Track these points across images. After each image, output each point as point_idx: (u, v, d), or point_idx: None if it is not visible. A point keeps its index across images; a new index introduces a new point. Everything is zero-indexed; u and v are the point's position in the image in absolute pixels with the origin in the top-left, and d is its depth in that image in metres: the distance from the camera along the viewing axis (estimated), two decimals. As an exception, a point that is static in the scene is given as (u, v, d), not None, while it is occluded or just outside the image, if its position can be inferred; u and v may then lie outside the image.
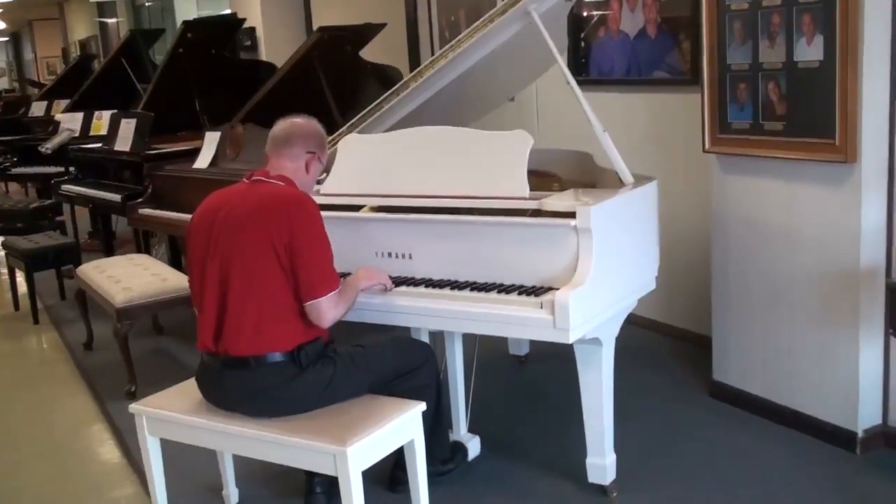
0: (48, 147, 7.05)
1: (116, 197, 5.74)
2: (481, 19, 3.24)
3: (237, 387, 2.69)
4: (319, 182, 3.24)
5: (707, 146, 3.65)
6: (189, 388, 2.92)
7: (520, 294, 2.78)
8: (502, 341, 4.44)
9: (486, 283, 2.89)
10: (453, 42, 3.31)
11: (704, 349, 4.09)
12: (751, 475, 3.20)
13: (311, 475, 3.08)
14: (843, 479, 3.13)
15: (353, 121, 3.55)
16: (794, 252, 3.40)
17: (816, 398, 3.40)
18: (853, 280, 3.20)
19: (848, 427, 3.30)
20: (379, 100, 3.48)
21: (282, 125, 2.90)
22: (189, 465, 3.36)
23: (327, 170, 3.43)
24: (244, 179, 2.84)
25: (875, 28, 3.04)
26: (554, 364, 4.28)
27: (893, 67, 3.09)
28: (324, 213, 3.16)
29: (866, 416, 3.29)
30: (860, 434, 3.28)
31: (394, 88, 3.45)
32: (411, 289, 2.98)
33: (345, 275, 2.94)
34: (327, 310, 2.68)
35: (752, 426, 3.57)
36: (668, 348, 4.52)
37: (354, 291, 2.86)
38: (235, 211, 2.71)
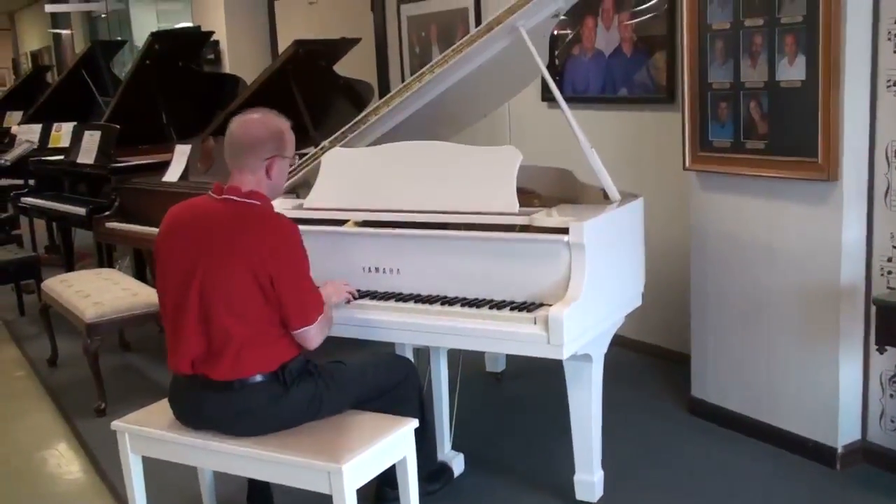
0: (7, 159, 6.94)
1: (81, 210, 5.64)
2: (470, 34, 3.23)
3: (218, 408, 2.62)
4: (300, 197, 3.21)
5: (687, 164, 3.67)
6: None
7: (512, 310, 2.76)
8: (479, 359, 4.42)
9: (477, 299, 2.87)
10: (440, 57, 3.29)
11: (680, 365, 4.12)
12: (732, 491, 3.21)
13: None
14: (824, 494, 3.15)
15: (335, 135, 3.51)
16: (774, 269, 3.43)
17: (796, 414, 3.43)
18: (833, 297, 3.24)
19: (828, 443, 3.33)
20: (364, 112, 3.46)
21: (235, 130, 2.73)
22: (168, 483, 3.28)
23: (309, 184, 3.41)
24: (212, 193, 2.71)
25: (856, 48, 3.09)
26: (531, 381, 4.28)
27: (873, 87, 3.14)
28: (308, 228, 3.16)
29: (846, 431, 3.32)
30: (840, 450, 3.31)
31: (381, 101, 3.43)
32: (400, 304, 2.95)
33: None
34: (316, 335, 2.67)
35: (732, 442, 3.58)
36: (643, 365, 4.52)
37: (331, 310, 2.83)
38: (215, 235, 2.61)
